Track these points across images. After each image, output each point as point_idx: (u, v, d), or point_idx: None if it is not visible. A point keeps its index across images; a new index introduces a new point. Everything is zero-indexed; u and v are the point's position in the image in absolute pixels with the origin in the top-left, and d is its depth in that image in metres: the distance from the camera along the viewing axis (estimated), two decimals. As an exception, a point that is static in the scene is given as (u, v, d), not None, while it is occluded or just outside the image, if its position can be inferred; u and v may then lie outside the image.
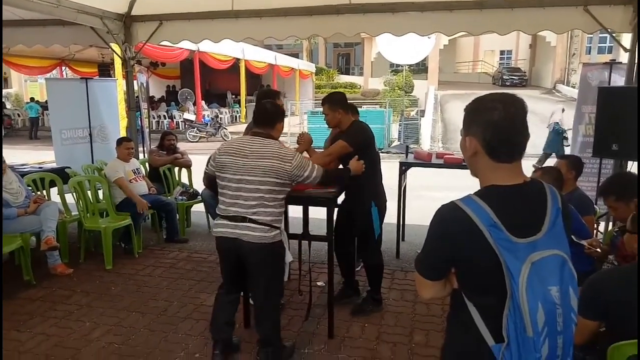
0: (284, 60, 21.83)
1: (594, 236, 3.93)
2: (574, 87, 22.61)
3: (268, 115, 2.67)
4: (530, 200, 1.22)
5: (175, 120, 18.73)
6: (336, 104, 3.33)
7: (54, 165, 6.02)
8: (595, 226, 4.33)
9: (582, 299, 1.67)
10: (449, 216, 1.21)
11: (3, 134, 17.70)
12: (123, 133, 6.88)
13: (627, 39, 4.64)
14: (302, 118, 15.81)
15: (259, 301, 2.77)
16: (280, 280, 2.72)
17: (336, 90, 3.75)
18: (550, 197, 1.23)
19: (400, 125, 14.20)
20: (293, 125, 14.24)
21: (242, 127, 16.18)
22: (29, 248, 4.07)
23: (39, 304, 3.68)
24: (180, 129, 17.81)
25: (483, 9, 4.72)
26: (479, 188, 1.27)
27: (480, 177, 1.28)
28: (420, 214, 5.44)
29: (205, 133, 16.23)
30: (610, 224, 4.58)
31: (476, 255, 1.17)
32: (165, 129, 18.09)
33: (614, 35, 4.87)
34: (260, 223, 2.51)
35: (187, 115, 17.80)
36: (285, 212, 3.63)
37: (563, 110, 10.09)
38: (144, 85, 7.69)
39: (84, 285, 4.03)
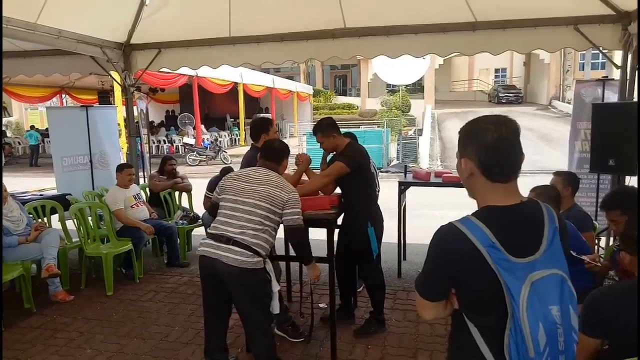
0: (281, 83, 22.11)
1: (595, 252, 3.94)
2: (569, 103, 22.83)
3: (275, 153, 2.86)
4: (527, 220, 1.24)
5: (175, 144, 18.85)
6: (327, 129, 3.38)
7: (55, 192, 6.04)
8: (596, 242, 4.34)
9: (583, 315, 1.67)
10: (448, 237, 1.23)
11: (4, 162, 17.81)
12: (123, 159, 6.94)
13: (619, 56, 4.73)
14: (300, 140, 15.93)
15: (245, 326, 2.76)
16: (265, 306, 2.66)
17: (327, 116, 3.81)
18: (547, 217, 1.25)
19: (398, 144, 14.31)
20: (292, 147, 14.34)
21: (242, 150, 16.25)
22: (30, 276, 4.06)
23: (39, 332, 3.65)
24: (180, 153, 17.91)
25: (476, 29, 4.81)
26: (476, 208, 1.30)
27: (478, 198, 1.30)
28: (421, 232, 5.44)
29: (205, 157, 16.33)
30: (611, 239, 4.59)
31: (475, 275, 1.19)
32: (165, 153, 18.18)
33: (605, 52, 4.96)
34: (244, 246, 2.49)
35: (186, 140, 17.92)
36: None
37: None
38: (144, 111, 7.78)
39: (85, 312, 4.01)
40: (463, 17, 4.73)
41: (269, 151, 2.87)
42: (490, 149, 1.23)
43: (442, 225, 1.26)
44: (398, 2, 4.78)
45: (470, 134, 1.28)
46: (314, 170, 3.62)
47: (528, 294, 1.13)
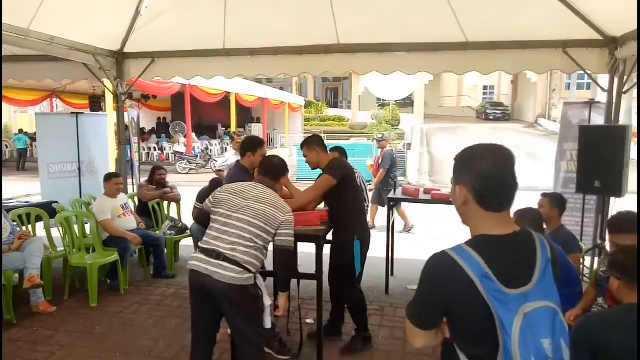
0: (274, 94, 22.18)
1: (581, 271, 3.98)
2: (555, 122, 23.23)
3: (274, 169, 2.86)
4: (520, 250, 1.24)
5: (165, 152, 18.74)
6: (312, 143, 3.47)
7: (40, 198, 5.96)
8: (582, 261, 4.39)
9: (573, 342, 1.68)
10: (441, 266, 1.22)
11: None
12: (113, 166, 6.87)
13: (604, 79, 4.84)
14: (291, 150, 15.95)
15: (237, 343, 2.73)
16: (257, 322, 2.63)
17: (316, 134, 3.87)
18: (539, 247, 1.25)
19: (388, 158, 14.36)
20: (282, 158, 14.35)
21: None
22: (12, 286, 3.98)
23: (19, 345, 3.56)
24: (171, 160, 17.81)
25: (467, 50, 4.90)
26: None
27: (471, 226, 1.30)
28: (410, 248, 5.48)
29: (195, 165, 16.26)
30: (596, 259, 4.66)
31: (467, 305, 1.18)
32: (155, 161, 18.07)
33: (591, 75, 5.07)
34: (234, 263, 2.47)
35: (177, 148, 17.85)
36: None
37: None
38: (135, 120, 7.74)
39: (68, 324, 3.93)
40: (455, 37, 4.81)
41: (267, 168, 2.85)
42: (485, 177, 1.23)
43: (435, 253, 1.26)
44: (391, 21, 4.85)
45: (466, 161, 1.28)
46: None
47: (520, 327, 1.12)
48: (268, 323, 2.69)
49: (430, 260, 1.26)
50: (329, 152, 3.64)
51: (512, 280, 1.17)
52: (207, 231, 2.66)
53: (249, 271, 2.51)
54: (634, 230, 2.36)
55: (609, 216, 4.47)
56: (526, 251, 1.24)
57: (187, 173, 15.84)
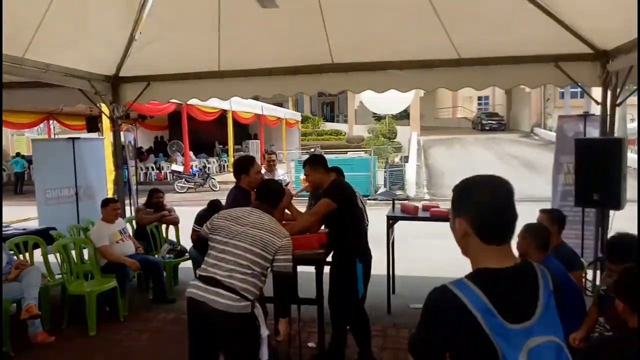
0: (270, 110, 22.27)
1: (583, 286, 3.95)
2: (550, 130, 23.37)
3: (272, 195, 2.82)
4: (522, 284, 1.22)
5: (163, 171, 18.74)
6: (316, 164, 3.48)
7: (38, 223, 5.92)
8: (584, 276, 4.37)
9: None
10: (442, 301, 1.20)
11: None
12: (111, 189, 6.85)
13: (597, 91, 4.88)
14: (289, 166, 15.94)
15: None
16: (252, 353, 2.57)
17: (319, 154, 3.89)
18: (541, 279, 1.23)
19: (385, 172, 14.39)
20: (280, 175, 14.29)
21: (230, 177, 16.14)
22: (9, 317, 3.93)
23: (17, 378, 3.51)
24: (169, 180, 17.80)
25: (460, 66, 4.94)
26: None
27: (471, 259, 1.28)
28: (411, 263, 5.44)
29: (193, 184, 16.23)
30: (598, 273, 4.63)
31: (470, 342, 1.16)
32: (154, 180, 18.06)
33: (584, 88, 5.11)
34: (231, 290, 2.44)
35: (174, 167, 17.85)
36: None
37: None
38: (132, 143, 7.75)
39: (66, 355, 3.86)
40: (447, 54, 4.85)
41: (265, 193, 2.82)
42: (484, 210, 1.22)
43: (436, 288, 1.23)
44: (383, 39, 4.90)
45: (465, 194, 1.27)
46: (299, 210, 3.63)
47: None
48: (265, 355, 2.64)
49: (430, 295, 1.23)
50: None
51: (515, 315, 1.15)
52: (205, 258, 2.64)
53: (247, 299, 2.49)
54: (628, 259, 2.29)
55: (609, 229, 4.48)
56: (528, 284, 1.22)
57: (185, 192, 15.80)
